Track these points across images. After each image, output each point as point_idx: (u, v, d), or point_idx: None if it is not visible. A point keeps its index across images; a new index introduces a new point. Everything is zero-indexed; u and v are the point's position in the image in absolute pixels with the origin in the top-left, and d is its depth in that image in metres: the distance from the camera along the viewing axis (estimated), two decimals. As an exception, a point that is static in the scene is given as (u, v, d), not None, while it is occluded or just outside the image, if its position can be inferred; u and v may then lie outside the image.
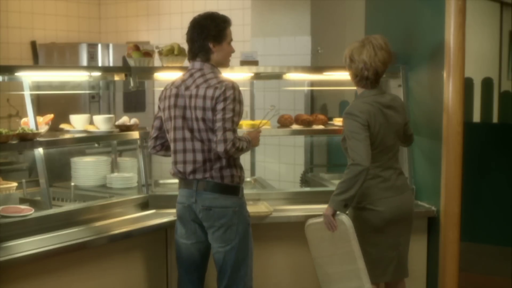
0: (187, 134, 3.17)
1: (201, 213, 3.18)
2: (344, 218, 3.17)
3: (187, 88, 3.18)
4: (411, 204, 3.43)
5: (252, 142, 3.26)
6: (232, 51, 3.28)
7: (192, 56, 3.24)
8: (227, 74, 3.35)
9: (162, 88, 3.32)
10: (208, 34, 3.16)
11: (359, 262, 3.17)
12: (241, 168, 3.25)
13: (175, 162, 3.23)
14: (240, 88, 3.16)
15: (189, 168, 3.18)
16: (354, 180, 3.10)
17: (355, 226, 3.20)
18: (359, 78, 3.29)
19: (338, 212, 3.18)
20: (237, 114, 3.12)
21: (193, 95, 3.15)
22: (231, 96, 3.10)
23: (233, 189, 3.20)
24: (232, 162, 3.19)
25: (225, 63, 3.29)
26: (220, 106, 3.08)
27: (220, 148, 3.06)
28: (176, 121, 3.19)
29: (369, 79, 3.27)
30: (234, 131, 3.10)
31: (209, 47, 3.18)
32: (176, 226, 3.32)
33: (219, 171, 3.16)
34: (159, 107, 3.34)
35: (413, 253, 3.53)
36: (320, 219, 3.26)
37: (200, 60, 3.21)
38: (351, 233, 3.16)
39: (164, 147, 3.39)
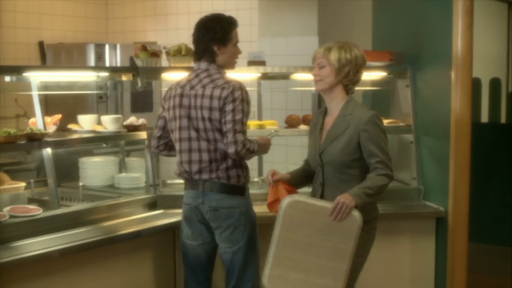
0: (193, 134, 3.16)
1: (208, 214, 3.18)
2: (358, 216, 2.91)
3: (192, 87, 3.18)
4: None
5: (263, 147, 3.24)
6: (239, 52, 3.27)
7: (198, 57, 3.24)
8: (233, 75, 3.34)
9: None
10: (213, 36, 3.15)
11: (347, 263, 2.92)
12: (246, 168, 3.25)
13: (181, 162, 3.23)
14: (248, 89, 3.16)
15: (195, 167, 3.18)
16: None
17: (365, 242, 3.05)
18: (355, 82, 3.12)
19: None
20: (246, 115, 3.12)
21: (198, 95, 3.14)
22: (240, 97, 3.09)
23: (239, 190, 3.19)
24: (238, 162, 3.19)
25: (230, 65, 3.28)
26: (229, 107, 3.07)
27: (231, 150, 3.06)
28: (181, 121, 3.19)
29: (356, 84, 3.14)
30: (244, 132, 3.10)
31: (214, 50, 3.17)
32: (182, 227, 3.32)
33: (225, 172, 3.15)
34: (163, 107, 3.34)
35: (422, 253, 3.52)
36: (312, 201, 2.99)
37: (205, 61, 3.21)
38: (357, 234, 2.92)
39: (167, 147, 3.39)
